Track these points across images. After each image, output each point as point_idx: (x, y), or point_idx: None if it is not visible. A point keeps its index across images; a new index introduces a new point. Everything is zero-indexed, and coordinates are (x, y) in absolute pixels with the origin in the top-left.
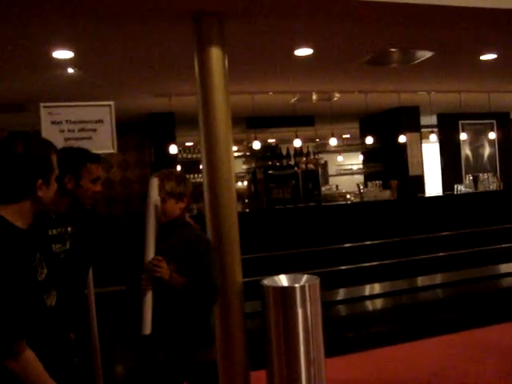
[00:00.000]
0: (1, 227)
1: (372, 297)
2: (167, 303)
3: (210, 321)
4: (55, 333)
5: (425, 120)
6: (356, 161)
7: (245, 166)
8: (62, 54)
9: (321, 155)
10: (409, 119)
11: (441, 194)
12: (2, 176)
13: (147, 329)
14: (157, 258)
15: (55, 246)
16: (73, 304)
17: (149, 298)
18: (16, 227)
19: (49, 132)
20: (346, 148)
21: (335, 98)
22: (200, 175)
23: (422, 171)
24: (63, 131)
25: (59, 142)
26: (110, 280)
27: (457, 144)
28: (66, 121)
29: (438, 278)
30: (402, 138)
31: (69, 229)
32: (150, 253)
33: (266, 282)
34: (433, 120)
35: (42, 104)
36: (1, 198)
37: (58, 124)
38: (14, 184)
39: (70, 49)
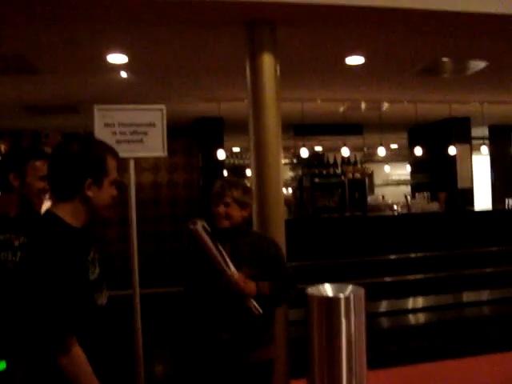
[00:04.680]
0: (55, 225)
1: (416, 310)
2: (238, 303)
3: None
4: (104, 332)
5: (476, 132)
6: (403, 171)
7: (291, 173)
8: (117, 58)
9: (368, 165)
10: (459, 130)
11: (490, 208)
12: (56, 173)
13: (259, 309)
14: (241, 279)
15: (1, 254)
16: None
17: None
18: (70, 226)
19: (101, 134)
20: (393, 158)
21: (384, 108)
22: (246, 181)
23: (472, 184)
24: (115, 133)
25: (111, 144)
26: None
27: (509, 157)
28: (119, 123)
29: (485, 295)
30: (451, 150)
31: (21, 238)
32: (231, 270)
33: (311, 290)
34: (484, 132)
35: (96, 106)
36: (56, 195)
37: (111, 126)
38: (66, 181)
39: (124, 53)
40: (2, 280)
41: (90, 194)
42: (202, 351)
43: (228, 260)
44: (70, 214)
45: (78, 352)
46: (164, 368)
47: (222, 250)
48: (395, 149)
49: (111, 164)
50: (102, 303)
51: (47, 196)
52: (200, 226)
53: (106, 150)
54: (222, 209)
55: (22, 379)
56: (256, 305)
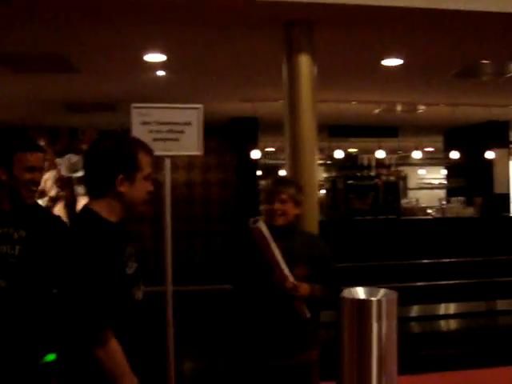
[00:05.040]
0: (92, 220)
1: (448, 316)
2: (287, 304)
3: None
4: (140, 325)
5: None
6: (437, 175)
7: (325, 175)
8: (155, 57)
9: (402, 168)
10: (497, 134)
11: None
12: (89, 170)
13: (308, 313)
14: (294, 283)
15: (2, 247)
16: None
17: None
18: (107, 221)
19: (138, 132)
20: (428, 161)
21: (420, 110)
22: None
23: (509, 189)
24: (152, 132)
25: (148, 142)
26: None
27: None
28: (155, 122)
29: None
30: (488, 154)
31: (20, 232)
32: (286, 273)
33: (343, 293)
34: None
35: (133, 105)
36: (91, 192)
37: (148, 124)
38: (98, 177)
39: (163, 52)
40: (5, 273)
41: (122, 189)
42: (248, 351)
43: (283, 261)
44: (105, 209)
45: (114, 345)
46: (194, 364)
47: (279, 250)
48: (430, 152)
49: (144, 160)
50: (138, 297)
51: (35, 188)
52: (263, 225)
53: (138, 145)
54: (278, 206)
55: (59, 369)
56: (305, 308)
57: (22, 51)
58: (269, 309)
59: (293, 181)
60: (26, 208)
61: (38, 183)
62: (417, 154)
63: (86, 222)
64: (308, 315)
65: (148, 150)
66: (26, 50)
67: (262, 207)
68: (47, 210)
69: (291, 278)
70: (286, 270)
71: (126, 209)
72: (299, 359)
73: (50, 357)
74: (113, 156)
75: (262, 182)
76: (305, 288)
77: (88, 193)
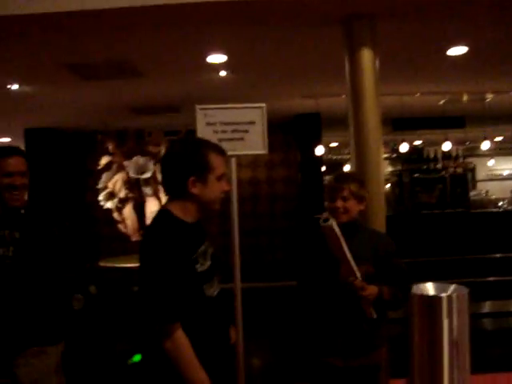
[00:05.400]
0: (166, 220)
1: None
2: (352, 304)
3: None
4: (213, 322)
5: None
6: (508, 165)
7: (390, 169)
8: (216, 58)
9: (470, 159)
10: None
11: None
12: (164, 174)
13: (374, 313)
14: (363, 283)
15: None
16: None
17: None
18: (181, 220)
19: (203, 133)
20: (498, 152)
21: (488, 99)
22: None
23: None
24: (217, 132)
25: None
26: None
27: None
28: (220, 122)
29: None
30: None
31: (15, 234)
32: (356, 272)
33: (412, 289)
34: None
35: (197, 106)
36: (168, 193)
37: (213, 125)
38: (171, 180)
39: (223, 53)
40: (2, 275)
41: (195, 191)
42: (314, 349)
43: (354, 260)
44: (181, 210)
45: (180, 337)
46: (262, 359)
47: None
48: (500, 142)
49: (215, 160)
50: (210, 294)
51: (16, 192)
52: (334, 223)
53: (208, 147)
54: (340, 203)
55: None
56: (372, 308)
57: (90, 60)
58: (335, 307)
59: (354, 176)
60: (18, 210)
61: (20, 187)
62: (485, 145)
63: (160, 222)
64: (374, 316)
65: (219, 151)
66: (94, 59)
67: (326, 204)
68: (46, 208)
69: (360, 278)
70: (356, 270)
71: (202, 209)
72: (366, 359)
73: (137, 357)
74: (183, 159)
75: (327, 178)
76: (373, 289)
77: (166, 194)
